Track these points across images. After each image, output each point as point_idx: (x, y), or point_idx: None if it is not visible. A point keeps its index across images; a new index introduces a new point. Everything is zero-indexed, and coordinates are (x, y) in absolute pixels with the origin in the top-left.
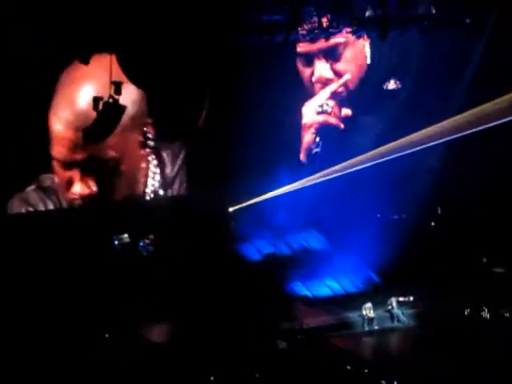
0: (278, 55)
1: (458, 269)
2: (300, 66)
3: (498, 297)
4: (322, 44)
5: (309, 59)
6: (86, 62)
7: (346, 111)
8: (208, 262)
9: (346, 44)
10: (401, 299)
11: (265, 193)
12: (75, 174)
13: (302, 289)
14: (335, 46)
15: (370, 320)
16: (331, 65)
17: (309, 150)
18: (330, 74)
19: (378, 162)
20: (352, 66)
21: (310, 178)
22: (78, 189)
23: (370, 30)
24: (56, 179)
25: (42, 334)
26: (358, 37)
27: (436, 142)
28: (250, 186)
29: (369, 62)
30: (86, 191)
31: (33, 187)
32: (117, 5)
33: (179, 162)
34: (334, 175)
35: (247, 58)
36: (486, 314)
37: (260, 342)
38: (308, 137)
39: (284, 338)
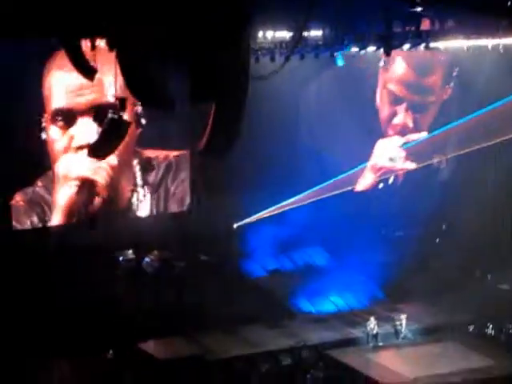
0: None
1: (463, 285)
2: (388, 101)
3: (502, 313)
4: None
5: (398, 101)
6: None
7: (411, 165)
8: (212, 278)
9: (435, 102)
10: (402, 316)
11: (270, 208)
12: None
13: (307, 305)
14: (427, 102)
15: (375, 336)
16: (414, 117)
17: (369, 187)
18: (410, 125)
19: (383, 178)
20: (430, 121)
21: (315, 194)
22: None
23: (375, 46)
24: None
25: (42, 349)
26: None
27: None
28: (255, 202)
29: None
30: None
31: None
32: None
33: (162, 169)
34: (339, 191)
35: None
36: (490, 330)
37: (263, 358)
38: (373, 177)
39: (288, 354)
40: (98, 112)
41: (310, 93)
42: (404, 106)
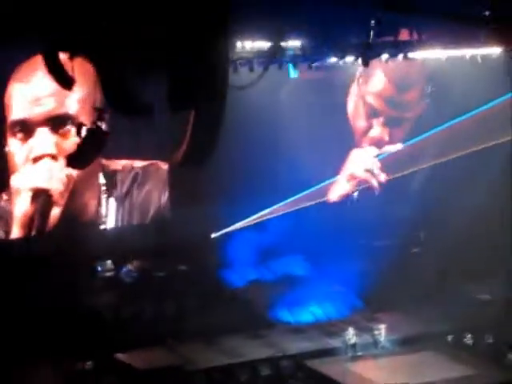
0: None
1: (442, 295)
2: (364, 113)
3: (481, 323)
4: (398, 112)
5: (375, 114)
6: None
7: (385, 177)
8: (191, 288)
9: (411, 118)
10: (381, 326)
11: (248, 218)
12: None
13: (286, 315)
14: (404, 118)
15: (353, 346)
16: (390, 131)
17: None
18: (386, 139)
19: (361, 187)
20: (405, 137)
21: (293, 204)
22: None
23: (354, 56)
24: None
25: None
26: None
27: (421, 167)
28: (233, 212)
29: None
30: None
31: None
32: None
33: (130, 179)
34: (317, 201)
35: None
36: (469, 340)
37: (242, 368)
38: (349, 187)
39: (267, 364)
40: (55, 122)
41: (288, 103)
42: (381, 119)
